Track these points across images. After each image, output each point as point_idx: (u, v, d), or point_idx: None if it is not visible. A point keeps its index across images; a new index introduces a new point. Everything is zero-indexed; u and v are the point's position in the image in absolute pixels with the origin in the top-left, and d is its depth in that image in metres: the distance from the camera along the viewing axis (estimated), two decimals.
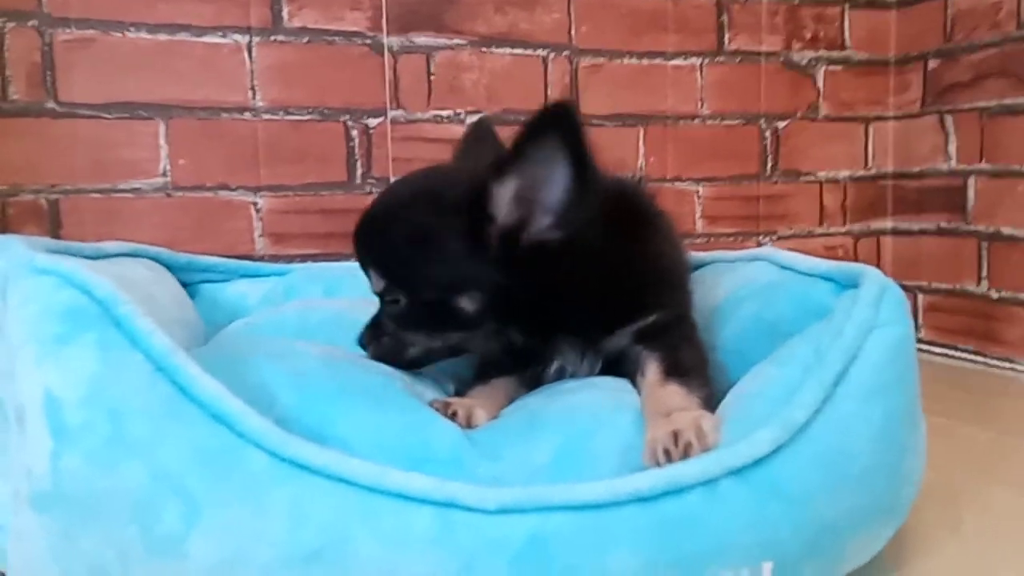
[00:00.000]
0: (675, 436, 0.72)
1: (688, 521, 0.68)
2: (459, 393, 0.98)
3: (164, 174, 1.58)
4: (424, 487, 0.67)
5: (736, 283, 1.15)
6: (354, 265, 1.59)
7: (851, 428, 0.75)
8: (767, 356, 0.92)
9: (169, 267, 1.23)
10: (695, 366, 0.92)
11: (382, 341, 0.96)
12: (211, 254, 1.39)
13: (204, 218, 1.62)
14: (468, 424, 0.85)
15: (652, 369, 0.90)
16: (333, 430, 0.78)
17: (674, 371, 0.89)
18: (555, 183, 0.83)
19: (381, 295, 0.96)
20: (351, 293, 1.39)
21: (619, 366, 0.98)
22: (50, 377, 0.70)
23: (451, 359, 1.00)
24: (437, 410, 0.85)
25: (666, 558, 0.67)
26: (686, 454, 0.71)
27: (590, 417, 0.82)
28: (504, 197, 0.85)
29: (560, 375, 1.00)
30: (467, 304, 0.90)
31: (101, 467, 0.68)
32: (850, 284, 0.91)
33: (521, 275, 0.88)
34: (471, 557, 0.65)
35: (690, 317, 1.05)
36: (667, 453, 0.71)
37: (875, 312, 0.81)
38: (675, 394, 0.84)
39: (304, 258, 1.68)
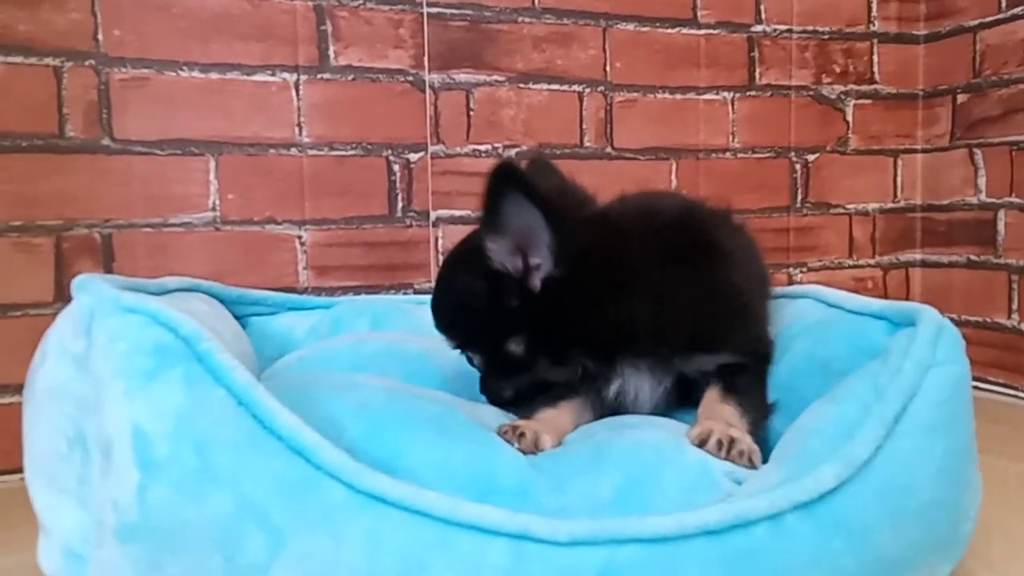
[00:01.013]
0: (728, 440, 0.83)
1: (755, 555, 0.69)
2: (526, 416, 1.01)
3: (214, 208, 1.63)
4: (497, 519, 0.69)
5: (784, 320, 1.16)
6: (398, 297, 1.65)
7: (912, 464, 0.77)
8: (819, 393, 0.94)
9: (222, 300, 1.27)
10: (755, 393, 1.00)
11: (486, 384, 1.07)
12: (256, 286, 1.43)
13: (250, 251, 1.66)
14: (535, 448, 0.88)
15: (713, 390, 0.98)
16: (400, 461, 0.80)
17: (733, 392, 0.97)
18: (533, 230, 0.92)
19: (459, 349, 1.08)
20: (396, 326, 1.43)
21: (688, 392, 1.03)
22: (138, 411, 0.73)
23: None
24: (504, 433, 0.88)
25: None
26: (728, 454, 0.83)
27: (656, 453, 0.84)
28: (499, 255, 0.95)
29: (623, 396, 1.03)
30: (515, 347, 1.00)
31: (188, 498, 0.71)
32: (904, 323, 0.93)
33: (551, 311, 0.97)
34: None
35: (769, 352, 1.07)
36: (719, 444, 0.84)
37: (933, 350, 0.83)
38: (729, 413, 0.93)
39: (346, 290, 1.71)
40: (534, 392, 1.03)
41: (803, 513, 0.71)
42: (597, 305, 0.97)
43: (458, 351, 1.08)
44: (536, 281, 0.96)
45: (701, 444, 0.85)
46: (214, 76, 1.61)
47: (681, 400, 1.06)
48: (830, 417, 0.84)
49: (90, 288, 0.83)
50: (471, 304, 1.01)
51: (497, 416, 0.99)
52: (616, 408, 1.04)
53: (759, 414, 0.97)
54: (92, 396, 0.78)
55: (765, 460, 0.87)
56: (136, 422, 0.73)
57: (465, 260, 1.04)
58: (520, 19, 1.81)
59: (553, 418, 0.99)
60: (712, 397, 0.98)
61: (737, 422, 0.92)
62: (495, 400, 1.05)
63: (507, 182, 0.89)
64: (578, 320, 0.97)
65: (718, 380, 0.99)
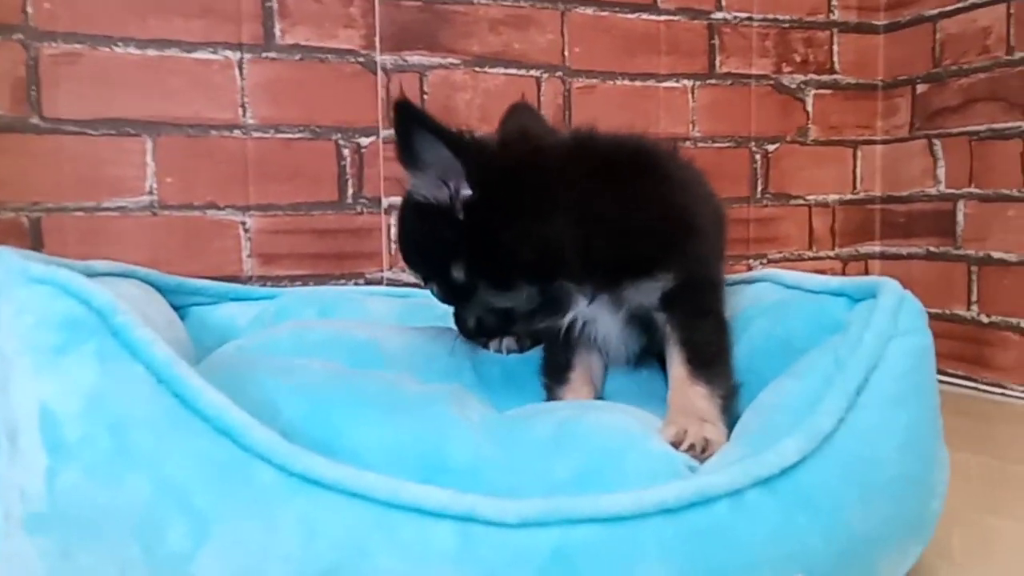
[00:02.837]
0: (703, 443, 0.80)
1: (716, 532, 0.66)
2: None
3: (150, 192, 1.55)
4: (441, 500, 0.65)
5: (742, 303, 1.13)
6: (347, 288, 1.58)
7: (876, 436, 0.74)
8: (780, 373, 0.91)
9: (159, 289, 1.20)
10: (719, 354, 0.98)
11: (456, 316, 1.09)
12: (198, 275, 1.36)
13: (191, 238, 1.58)
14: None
15: (679, 361, 0.96)
16: (341, 441, 0.76)
17: (701, 365, 0.95)
18: (445, 159, 0.94)
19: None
20: (346, 316, 1.36)
21: (646, 336, 1.03)
22: (46, 390, 0.67)
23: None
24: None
25: (696, 571, 0.65)
26: (702, 455, 0.80)
27: (620, 437, 0.80)
28: (423, 188, 0.99)
29: (588, 332, 1.03)
30: (457, 274, 1.01)
31: (102, 482, 0.65)
32: (864, 297, 0.90)
33: (479, 235, 0.98)
34: (493, 572, 0.63)
35: (717, 281, 1.06)
36: (692, 447, 0.80)
37: (894, 321, 0.80)
38: (701, 397, 0.91)
39: (293, 279, 1.64)
40: (501, 326, 1.06)
41: (765, 489, 0.68)
42: (519, 224, 0.97)
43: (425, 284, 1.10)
44: (458, 207, 0.97)
45: (676, 446, 0.82)
46: (152, 53, 1.53)
47: (644, 353, 1.06)
48: (791, 392, 0.81)
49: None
50: (418, 236, 1.06)
51: (445, 395, 0.92)
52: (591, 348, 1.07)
53: (729, 387, 0.94)
54: (1, 376, 0.71)
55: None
56: (44, 401, 0.67)
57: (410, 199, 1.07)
58: (476, 0, 1.75)
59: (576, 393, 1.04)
60: (680, 376, 0.95)
61: (710, 409, 0.90)
62: (462, 330, 1.08)
63: (408, 119, 0.92)
64: (505, 241, 0.97)
65: (677, 335, 0.97)
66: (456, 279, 1.01)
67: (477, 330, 1.06)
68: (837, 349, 0.82)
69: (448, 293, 1.06)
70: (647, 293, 0.98)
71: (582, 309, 1.00)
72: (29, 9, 1.46)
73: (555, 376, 1.07)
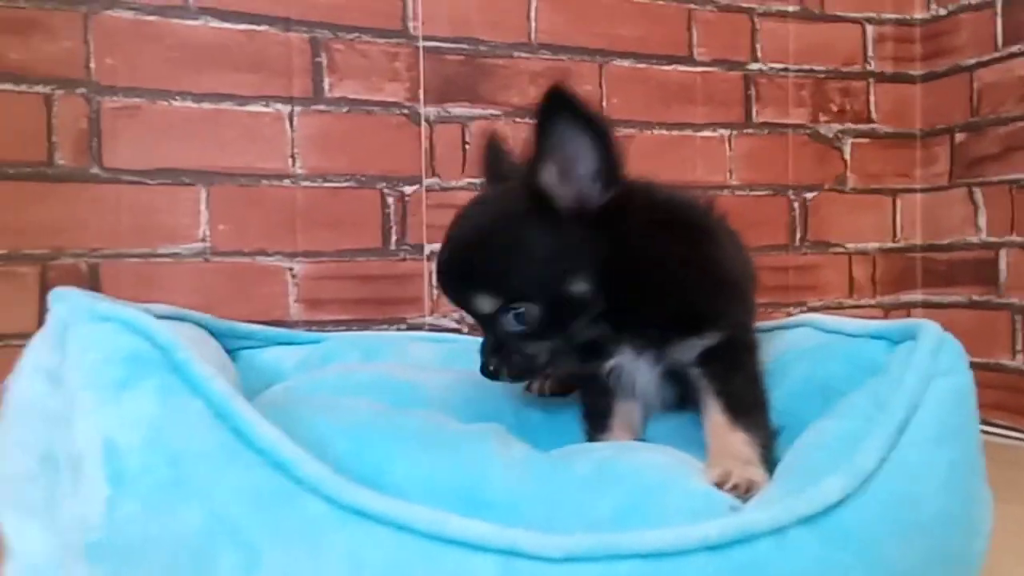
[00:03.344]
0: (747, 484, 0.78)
1: (759, 569, 0.66)
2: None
3: (203, 239, 1.60)
4: (485, 534, 0.66)
5: (781, 348, 1.14)
6: (390, 333, 1.61)
7: (918, 475, 0.74)
8: (819, 415, 0.91)
9: (211, 332, 1.23)
10: (756, 404, 0.96)
11: (512, 359, 0.95)
12: (246, 319, 1.39)
13: (240, 283, 1.63)
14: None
15: (717, 408, 0.94)
16: (387, 477, 0.78)
17: (740, 414, 0.93)
18: (583, 153, 0.88)
19: (492, 317, 0.94)
20: (389, 360, 1.39)
21: (681, 387, 1.01)
22: (110, 422, 0.70)
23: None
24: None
25: None
26: (747, 495, 0.78)
27: (660, 476, 0.81)
28: (550, 181, 0.90)
29: (623, 379, 1.01)
30: (580, 286, 0.92)
31: (159, 512, 0.67)
32: (904, 339, 0.90)
33: (604, 242, 0.92)
34: None
35: (753, 339, 1.05)
36: (736, 487, 0.78)
37: (935, 361, 0.80)
38: (742, 443, 0.89)
39: (337, 324, 1.68)
40: (563, 362, 0.98)
41: (807, 527, 0.68)
42: (646, 260, 0.94)
43: (488, 318, 0.94)
44: (587, 205, 0.91)
45: (720, 486, 0.81)
46: (207, 106, 1.60)
47: (681, 401, 1.04)
48: (832, 432, 0.82)
49: (66, 298, 0.80)
50: (526, 244, 0.92)
51: (486, 433, 0.94)
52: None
53: (768, 433, 0.93)
54: (64, 410, 0.74)
55: None
56: (107, 434, 0.70)
57: (500, 205, 0.98)
58: (516, 54, 1.81)
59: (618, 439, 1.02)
60: (719, 423, 0.94)
61: (751, 454, 0.89)
62: (520, 372, 0.96)
63: (558, 107, 0.87)
64: (633, 259, 0.93)
65: (714, 387, 0.96)
66: (575, 293, 0.92)
67: (544, 368, 0.98)
68: (878, 390, 0.82)
69: (543, 317, 0.92)
70: (689, 350, 0.98)
71: (623, 360, 1.00)
72: (92, 64, 1.53)
73: (596, 423, 1.06)
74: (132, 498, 0.68)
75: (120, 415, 0.70)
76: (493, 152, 1.14)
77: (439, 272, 0.98)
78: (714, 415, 0.95)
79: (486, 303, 0.92)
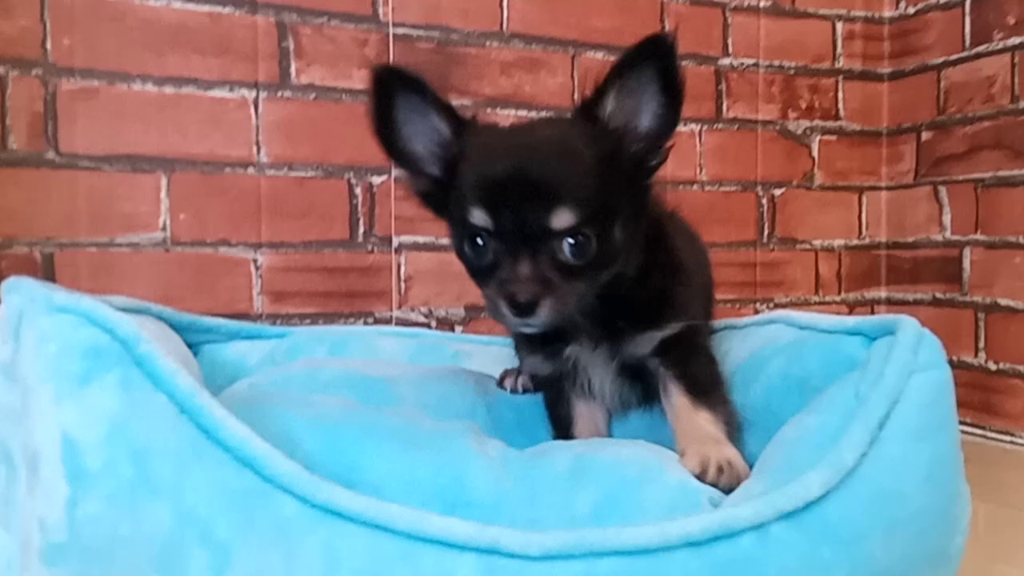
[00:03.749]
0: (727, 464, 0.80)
1: (741, 565, 0.66)
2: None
3: (163, 228, 1.55)
4: (465, 533, 0.65)
5: (756, 344, 1.13)
6: (357, 328, 1.57)
7: (900, 470, 0.74)
8: (798, 412, 0.90)
9: (173, 327, 1.20)
10: (716, 384, 0.98)
11: (557, 293, 0.86)
12: (208, 311, 1.36)
13: (202, 274, 1.58)
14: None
15: (678, 391, 0.95)
16: (361, 474, 0.76)
17: (701, 394, 0.94)
18: (656, 109, 0.87)
19: (553, 237, 0.86)
20: (357, 355, 1.36)
21: (639, 383, 1.01)
22: (69, 418, 0.66)
23: None
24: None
25: None
26: (727, 479, 0.79)
27: (637, 470, 0.80)
28: (624, 115, 0.88)
29: (577, 381, 1.00)
30: (620, 234, 0.89)
31: (123, 512, 0.64)
32: (882, 334, 0.90)
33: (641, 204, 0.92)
34: None
35: (707, 325, 1.06)
36: (720, 470, 0.79)
37: (914, 356, 0.80)
38: (708, 422, 0.91)
39: (303, 317, 1.64)
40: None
41: (789, 522, 0.68)
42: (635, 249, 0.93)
43: (554, 234, 0.86)
44: (652, 160, 0.90)
45: (701, 477, 0.80)
46: (168, 90, 1.55)
47: (640, 400, 1.04)
48: (812, 427, 0.81)
49: (20, 288, 0.76)
50: (599, 170, 0.87)
51: (463, 430, 0.92)
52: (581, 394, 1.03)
53: (729, 409, 0.95)
54: (19, 405, 0.71)
55: None
56: (66, 430, 0.66)
57: (568, 128, 0.92)
58: (488, 43, 1.78)
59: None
60: (683, 405, 0.94)
61: (718, 432, 0.90)
62: (562, 310, 0.87)
63: (653, 56, 0.85)
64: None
65: (673, 371, 0.95)
66: (615, 238, 0.88)
67: (561, 308, 0.87)
68: (857, 384, 0.82)
69: (597, 253, 0.87)
70: (647, 343, 0.97)
71: (581, 352, 0.98)
72: (48, 45, 1.48)
73: (560, 431, 1.04)
74: (94, 497, 0.65)
75: (80, 410, 0.67)
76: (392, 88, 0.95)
77: (505, 178, 0.86)
78: (676, 398, 0.95)
79: (563, 217, 0.84)
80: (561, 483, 0.79)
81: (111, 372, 0.68)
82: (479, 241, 0.88)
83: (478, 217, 0.86)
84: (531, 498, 0.77)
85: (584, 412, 1.03)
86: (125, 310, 1.05)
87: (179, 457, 0.66)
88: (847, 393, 0.82)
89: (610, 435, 1.05)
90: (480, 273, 0.90)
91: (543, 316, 0.84)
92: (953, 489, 0.79)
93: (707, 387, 0.96)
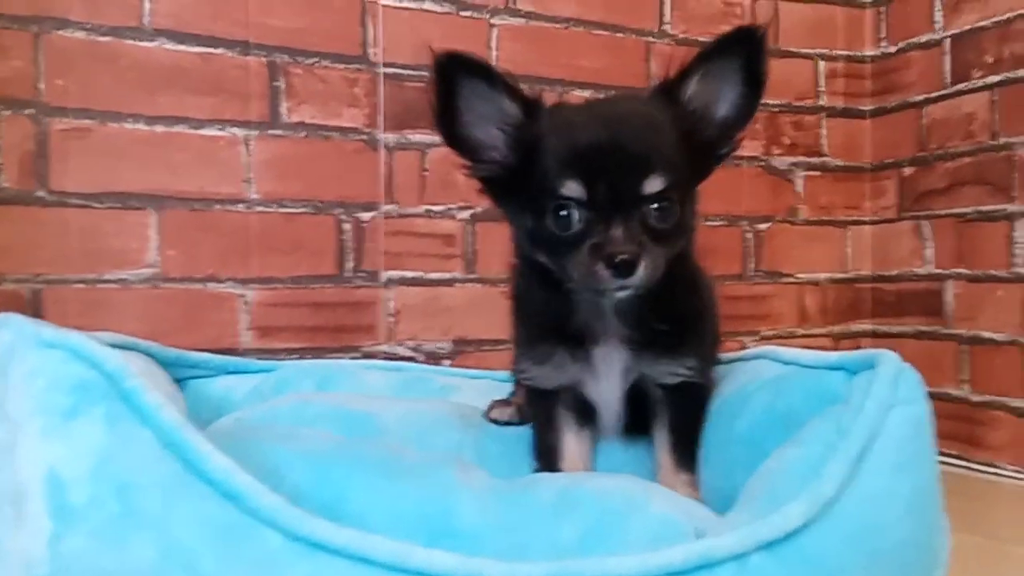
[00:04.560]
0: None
1: None
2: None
3: (152, 265, 1.56)
4: (449, 564, 0.65)
5: (742, 379, 1.14)
6: (344, 362, 1.58)
7: (880, 502, 0.74)
8: (782, 445, 0.91)
9: (160, 362, 1.20)
10: (698, 443, 1.01)
11: (652, 253, 0.88)
12: (196, 347, 1.36)
13: (190, 310, 1.59)
14: None
15: (666, 446, 0.99)
16: (346, 506, 0.76)
17: (686, 455, 0.99)
18: (736, 98, 0.91)
19: (644, 201, 0.88)
20: (344, 389, 1.36)
21: (639, 405, 1.01)
22: (55, 453, 0.67)
23: None
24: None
25: None
26: None
27: (622, 502, 0.80)
28: (694, 104, 0.92)
29: (593, 380, 1.01)
30: (689, 207, 0.94)
31: (108, 546, 0.64)
32: (863, 368, 0.91)
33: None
34: None
35: (714, 379, 1.07)
36: None
37: (894, 390, 0.81)
38: (685, 485, 0.96)
39: (290, 352, 1.65)
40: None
41: (769, 553, 0.68)
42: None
43: (644, 199, 0.89)
44: (723, 148, 0.96)
45: None
46: (159, 129, 1.57)
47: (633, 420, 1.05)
48: (794, 459, 0.82)
49: (9, 324, 0.77)
50: (683, 140, 0.91)
51: (448, 461, 0.92)
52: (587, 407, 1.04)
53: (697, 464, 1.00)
54: (7, 440, 0.71)
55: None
56: (51, 465, 0.67)
57: (651, 103, 0.95)
58: None
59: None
60: (667, 464, 0.99)
61: (693, 493, 0.96)
62: (655, 270, 0.89)
63: (743, 46, 0.89)
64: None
65: (670, 421, 0.99)
66: (688, 210, 0.93)
67: (653, 269, 0.89)
68: (839, 417, 0.83)
69: (680, 218, 0.91)
70: (669, 373, 0.99)
71: (602, 358, 0.99)
72: (41, 85, 1.50)
73: (546, 461, 1.03)
74: (78, 532, 0.65)
75: (66, 445, 0.67)
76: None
77: (598, 148, 0.88)
78: (663, 454, 0.99)
79: (654, 182, 0.87)
80: (546, 514, 0.80)
81: (98, 407, 0.69)
82: (566, 213, 0.89)
83: (571, 188, 0.88)
84: (516, 529, 0.78)
85: (572, 443, 1.03)
86: (112, 346, 1.07)
87: (164, 491, 0.67)
88: (828, 426, 0.83)
89: (594, 469, 1.05)
90: (565, 244, 0.90)
91: (641, 275, 0.86)
92: (933, 522, 0.79)
93: (693, 445, 1.00)
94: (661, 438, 1.00)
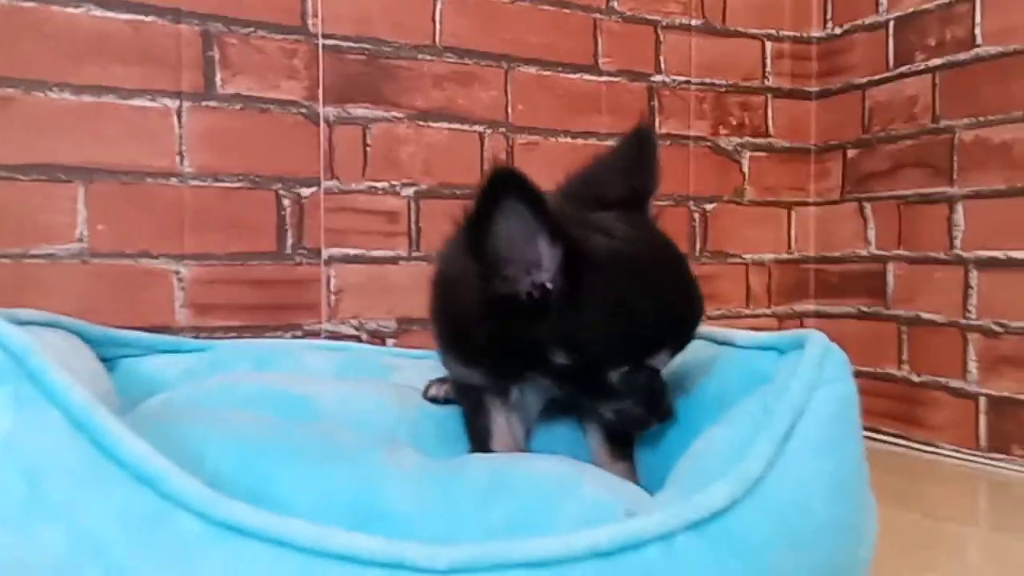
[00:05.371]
0: None
1: (647, 575, 0.65)
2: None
3: (81, 239, 1.51)
4: (369, 548, 0.62)
5: (676, 361, 1.14)
6: (284, 341, 1.55)
7: (805, 482, 0.74)
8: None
9: (86, 340, 1.16)
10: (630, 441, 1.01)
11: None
12: (128, 325, 1.32)
13: (122, 287, 1.54)
14: None
15: (600, 443, 1.00)
16: (271, 489, 0.74)
17: (619, 448, 1.00)
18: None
19: None
20: (283, 369, 1.33)
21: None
22: None
23: None
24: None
25: None
26: None
27: (553, 484, 0.79)
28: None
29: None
30: None
31: (15, 534, 0.62)
32: (792, 348, 0.91)
33: None
34: None
35: None
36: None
37: (819, 370, 0.81)
38: (625, 472, 0.96)
39: (228, 330, 1.61)
40: None
41: (695, 533, 0.67)
42: None
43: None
44: None
45: None
46: (87, 99, 1.51)
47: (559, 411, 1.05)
48: (721, 438, 0.82)
49: None
50: None
51: (375, 443, 0.90)
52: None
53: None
54: None
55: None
56: None
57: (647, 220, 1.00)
58: (420, 56, 1.77)
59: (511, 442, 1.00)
60: (603, 454, 0.99)
61: (632, 478, 0.95)
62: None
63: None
64: None
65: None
66: None
67: None
68: (765, 397, 0.83)
69: None
70: None
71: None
72: None
73: (477, 442, 1.03)
74: None
75: None
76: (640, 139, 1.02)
77: (696, 315, 0.94)
78: (597, 446, 1.00)
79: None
80: (476, 496, 0.79)
81: (3, 387, 0.66)
82: (636, 373, 0.90)
83: (660, 360, 0.92)
84: (445, 512, 0.76)
85: (503, 425, 1.02)
86: (35, 323, 1.03)
87: (74, 475, 0.64)
88: (755, 406, 0.83)
89: (529, 448, 1.04)
90: (608, 390, 0.90)
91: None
92: (858, 502, 0.79)
93: (628, 445, 1.01)
94: (593, 430, 1.00)
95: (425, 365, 1.34)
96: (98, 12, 1.51)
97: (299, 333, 1.67)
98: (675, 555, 0.66)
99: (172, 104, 1.57)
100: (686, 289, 0.93)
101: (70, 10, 1.49)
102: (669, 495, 0.77)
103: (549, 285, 0.85)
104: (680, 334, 0.92)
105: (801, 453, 0.74)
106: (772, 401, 0.79)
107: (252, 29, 1.63)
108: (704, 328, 1.14)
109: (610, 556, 0.64)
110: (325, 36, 1.68)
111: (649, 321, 0.88)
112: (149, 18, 1.55)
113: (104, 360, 1.19)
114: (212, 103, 1.60)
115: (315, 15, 1.68)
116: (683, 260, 0.95)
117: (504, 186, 0.79)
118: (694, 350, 1.12)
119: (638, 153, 1.01)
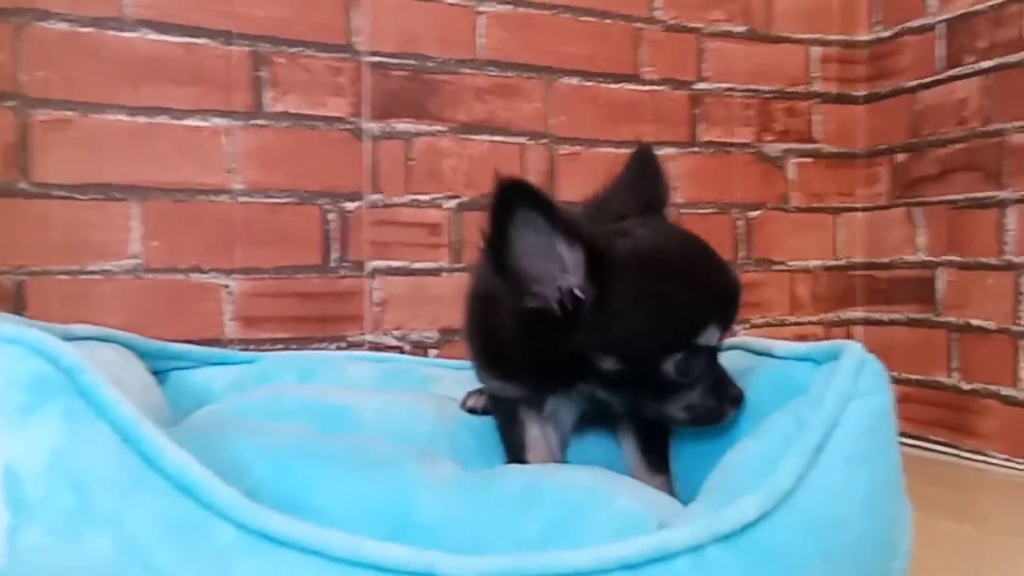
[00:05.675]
0: None
1: None
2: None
3: (135, 256, 1.56)
4: (401, 558, 0.64)
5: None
6: (328, 352, 1.58)
7: (837, 495, 0.73)
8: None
9: (140, 354, 1.21)
10: (667, 443, 1.00)
11: None
12: (179, 338, 1.37)
13: (173, 301, 1.59)
14: None
15: (636, 455, 0.99)
16: (309, 500, 0.76)
17: (655, 453, 0.99)
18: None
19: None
20: (326, 380, 1.36)
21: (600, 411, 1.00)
22: (12, 449, 0.67)
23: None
24: None
25: None
26: None
27: (586, 496, 0.80)
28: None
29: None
30: None
31: (64, 541, 0.65)
32: (828, 359, 0.91)
33: None
34: None
35: None
36: None
37: (854, 382, 0.80)
38: (663, 484, 0.95)
39: (275, 342, 1.65)
40: None
41: (725, 545, 0.67)
42: None
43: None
44: None
45: None
46: (142, 120, 1.57)
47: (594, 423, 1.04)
48: (752, 452, 0.81)
49: None
50: None
51: (411, 454, 0.92)
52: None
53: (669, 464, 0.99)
54: None
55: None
56: (8, 461, 0.67)
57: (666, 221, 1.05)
58: (462, 70, 1.80)
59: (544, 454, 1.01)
60: (639, 466, 0.98)
61: (669, 492, 0.94)
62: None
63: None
64: None
65: (635, 434, 0.99)
66: None
67: None
68: (799, 409, 0.82)
69: None
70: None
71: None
72: (23, 77, 1.49)
73: (514, 453, 1.03)
74: (34, 527, 0.65)
75: (23, 440, 0.68)
76: (643, 160, 1.07)
77: (734, 289, 0.93)
78: (634, 458, 0.99)
79: None
80: (509, 507, 0.80)
81: (55, 402, 0.69)
82: (694, 359, 0.89)
83: (711, 336, 0.90)
84: (478, 522, 0.77)
85: (537, 436, 1.02)
86: (90, 338, 1.08)
87: (120, 486, 0.67)
88: (788, 418, 0.82)
89: (565, 459, 1.05)
90: (673, 387, 0.90)
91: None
92: (892, 514, 0.78)
93: (662, 446, 0.99)
94: (628, 442, 1.00)
95: (465, 376, 1.36)
96: (153, 36, 1.57)
97: (343, 344, 1.70)
98: (705, 568, 0.66)
99: (223, 123, 1.62)
100: (716, 265, 0.92)
101: (127, 34, 1.55)
102: (700, 508, 0.77)
103: (580, 293, 0.85)
104: (722, 306, 0.91)
105: (833, 466, 0.74)
106: (806, 414, 0.79)
107: (300, 48, 1.67)
108: (743, 338, 1.14)
109: (639, 568, 0.64)
110: (370, 53, 1.72)
111: (686, 298, 0.88)
112: (201, 40, 1.60)
113: (156, 373, 1.24)
114: (261, 121, 1.65)
115: (360, 33, 1.71)
116: (707, 246, 0.94)
117: (513, 195, 0.81)
118: (731, 360, 1.12)
119: (643, 171, 1.04)
